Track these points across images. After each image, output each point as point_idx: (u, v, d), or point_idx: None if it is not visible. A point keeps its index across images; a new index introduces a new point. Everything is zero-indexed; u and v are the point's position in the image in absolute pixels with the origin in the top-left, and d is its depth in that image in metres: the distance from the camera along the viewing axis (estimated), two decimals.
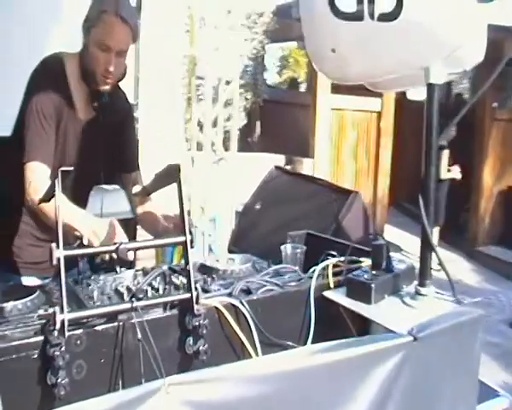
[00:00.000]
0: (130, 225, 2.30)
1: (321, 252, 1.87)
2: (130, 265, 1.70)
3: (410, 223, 7.67)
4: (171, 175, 1.54)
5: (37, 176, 1.96)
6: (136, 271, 1.69)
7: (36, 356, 1.27)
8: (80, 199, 2.29)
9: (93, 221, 1.76)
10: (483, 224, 7.89)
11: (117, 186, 1.89)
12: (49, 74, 2.09)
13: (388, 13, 1.46)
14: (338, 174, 7.02)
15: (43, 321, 1.31)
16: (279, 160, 6.43)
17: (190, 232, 1.45)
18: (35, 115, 2.03)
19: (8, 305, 1.47)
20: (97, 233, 1.68)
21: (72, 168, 1.41)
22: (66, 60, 2.12)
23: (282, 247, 2.03)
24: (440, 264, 1.59)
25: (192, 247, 1.43)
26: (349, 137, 7.06)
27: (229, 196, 4.68)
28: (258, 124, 7.43)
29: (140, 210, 2.14)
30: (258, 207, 3.15)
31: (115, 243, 1.42)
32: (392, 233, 7.38)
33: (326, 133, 6.64)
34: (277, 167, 3.29)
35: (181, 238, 1.45)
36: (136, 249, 1.47)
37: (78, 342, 1.31)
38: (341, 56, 1.63)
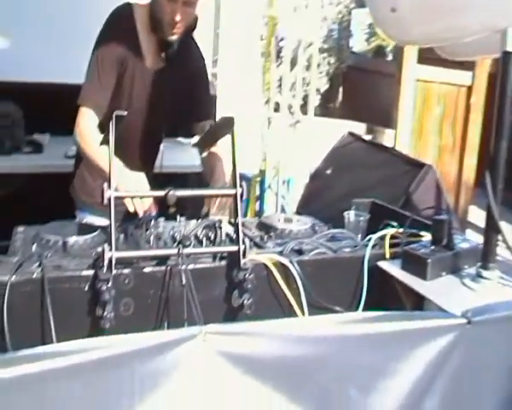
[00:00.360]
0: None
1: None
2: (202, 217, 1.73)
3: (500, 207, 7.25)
4: (225, 127, 1.53)
5: (85, 121, 2.04)
6: (198, 220, 1.70)
7: (86, 289, 1.32)
8: (147, 147, 2.35)
9: (124, 175, 1.79)
10: None
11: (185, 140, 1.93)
12: (118, 24, 2.12)
13: None
14: (420, 149, 6.75)
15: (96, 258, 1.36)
16: (359, 128, 6.28)
17: (241, 186, 1.44)
18: (95, 65, 2.09)
19: (71, 239, 1.53)
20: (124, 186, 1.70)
21: (125, 113, 1.42)
22: (135, 10, 2.15)
23: (346, 213, 1.99)
24: (508, 248, 1.50)
25: (242, 200, 1.42)
26: (434, 110, 6.75)
27: (304, 159, 4.63)
28: (340, 90, 7.27)
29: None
30: (328, 172, 3.09)
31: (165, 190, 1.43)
32: (477, 215, 7.02)
33: (410, 105, 6.38)
34: (350, 133, 3.19)
35: (231, 190, 1.44)
36: (184, 197, 1.46)
37: (126, 281, 1.34)
38: (401, 16, 1.53)
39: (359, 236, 1.85)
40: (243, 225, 1.67)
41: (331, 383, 1.24)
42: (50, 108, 3.41)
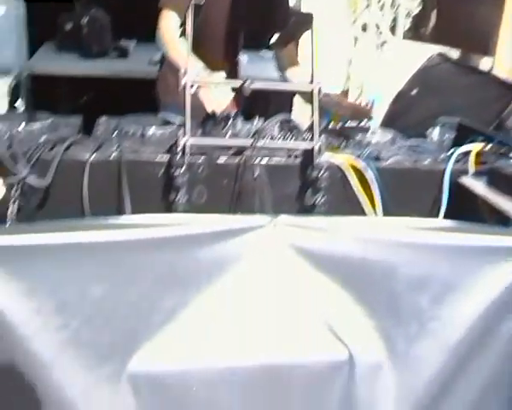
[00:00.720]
0: None
1: None
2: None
3: None
4: (304, 23, 1.46)
5: (166, 22, 2.03)
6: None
7: (161, 174, 1.35)
8: (228, 49, 2.31)
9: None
10: None
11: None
12: None
13: None
14: None
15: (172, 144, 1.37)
16: (452, 54, 5.92)
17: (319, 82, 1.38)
18: None
19: (150, 130, 1.55)
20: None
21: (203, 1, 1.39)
22: None
23: (430, 129, 1.90)
24: None
25: (319, 95, 1.37)
26: None
27: (389, 81, 4.44)
28: (434, 13, 6.83)
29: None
30: (413, 93, 2.95)
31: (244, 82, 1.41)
32: None
33: None
34: (440, 54, 3.02)
35: (309, 86, 1.39)
36: (259, 89, 1.43)
37: (200, 169, 1.35)
38: None
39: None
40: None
41: (402, 290, 1.20)
42: (138, 13, 3.43)
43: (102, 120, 1.70)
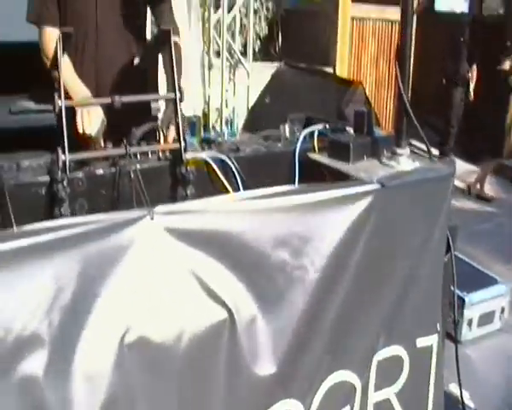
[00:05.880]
0: None
1: None
2: None
3: (433, 135, 7.63)
4: (163, 40, 1.65)
5: (50, 42, 2.07)
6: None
7: (43, 193, 1.46)
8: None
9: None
10: None
11: None
12: None
13: None
14: None
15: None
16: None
17: (180, 91, 1.58)
18: None
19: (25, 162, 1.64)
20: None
21: (71, 29, 1.53)
22: None
23: (281, 126, 2.16)
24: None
25: (181, 101, 1.56)
26: (370, 46, 6.97)
27: (244, 99, 4.76)
28: (279, 34, 7.39)
29: None
30: (267, 100, 3.26)
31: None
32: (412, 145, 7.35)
33: (346, 42, 6.57)
34: (286, 63, 3.36)
35: (171, 95, 1.58)
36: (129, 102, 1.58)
37: (80, 183, 1.48)
38: None
39: None
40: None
41: (267, 250, 1.41)
42: None
43: None
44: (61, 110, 1.44)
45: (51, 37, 2.09)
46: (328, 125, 1.90)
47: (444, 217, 1.67)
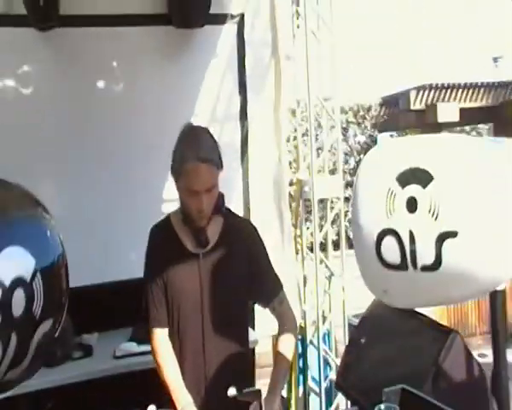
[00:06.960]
0: None
1: None
2: None
3: None
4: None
5: (157, 341, 2.28)
6: None
7: None
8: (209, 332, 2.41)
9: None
10: None
11: None
12: (159, 234, 2.40)
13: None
14: None
15: None
16: None
17: None
18: (149, 289, 2.34)
19: None
20: None
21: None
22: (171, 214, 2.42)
23: (376, 408, 2.04)
24: None
25: None
26: None
27: (341, 310, 4.68)
28: None
29: None
30: (362, 341, 3.15)
31: None
32: None
33: None
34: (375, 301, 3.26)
35: None
36: None
37: None
38: (392, 296, 2.13)
39: None
40: None
41: None
42: (95, 307, 3.65)
43: None
44: None
45: (159, 337, 2.28)
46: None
47: None
